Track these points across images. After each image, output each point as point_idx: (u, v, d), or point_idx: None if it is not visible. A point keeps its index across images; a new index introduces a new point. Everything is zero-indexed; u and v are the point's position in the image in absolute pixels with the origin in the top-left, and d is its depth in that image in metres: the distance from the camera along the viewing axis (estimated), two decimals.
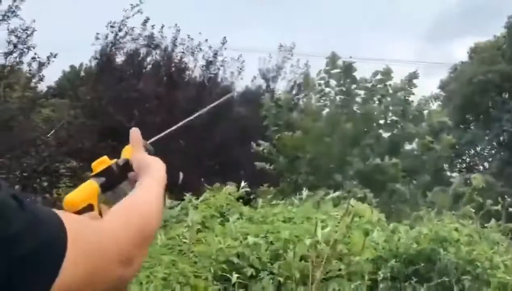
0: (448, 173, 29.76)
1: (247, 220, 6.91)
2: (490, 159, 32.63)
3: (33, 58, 16.44)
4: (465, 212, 11.28)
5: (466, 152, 33.45)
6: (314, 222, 5.85)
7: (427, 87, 35.07)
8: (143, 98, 19.43)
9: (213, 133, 19.09)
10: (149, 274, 5.16)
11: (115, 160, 1.24)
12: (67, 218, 0.85)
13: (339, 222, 6.02)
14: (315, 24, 54.61)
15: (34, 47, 16.38)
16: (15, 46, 16.13)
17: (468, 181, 16.45)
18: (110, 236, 0.91)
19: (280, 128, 18.27)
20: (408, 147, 18.58)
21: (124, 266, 0.90)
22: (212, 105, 1.79)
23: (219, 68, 22.19)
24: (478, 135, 31.79)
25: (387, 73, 18.01)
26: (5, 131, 15.30)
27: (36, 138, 16.00)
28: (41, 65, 16.51)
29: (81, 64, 25.54)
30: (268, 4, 58.98)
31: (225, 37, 21.86)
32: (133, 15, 18.50)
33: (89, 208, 1.15)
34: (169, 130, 1.49)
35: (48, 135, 16.41)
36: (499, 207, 8.96)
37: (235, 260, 5.64)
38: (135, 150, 1.24)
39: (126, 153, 1.28)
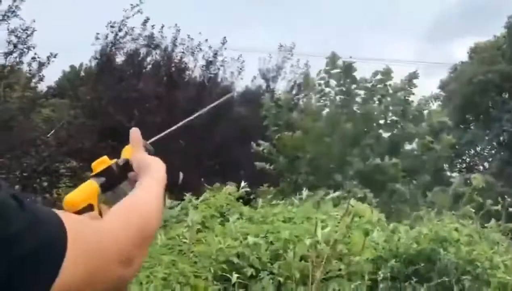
0: (448, 173, 29.78)
1: (247, 220, 6.91)
2: (490, 159, 32.62)
3: (33, 58, 16.44)
4: (465, 212, 11.28)
5: (466, 152, 33.45)
6: (314, 222, 5.85)
7: (427, 87, 35.10)
8: (143, 98, 19.43)
9: (213, 133, 19.09)
10: (149, 274, 5.16)
11: (115, 160, 1.24)
12: (67, 218, 0.85)
13: (339, 222, 6.02)
14: (315, 24, 54.63)
15: (34, 47, 16.38)
16: (15, 46, 16.13)
17: (468, 181, 16.45)
18: (110, 236, 0.91)
19: (280, 128, 18.26)
20: (408, 147, 18.57)
21: (124, 266, 0.90)
22: (212, 105, 1.80)
23: (219, 68, 22.18)
24: (478, 135, 31.78)
25: (387, 73, 18.00)
26: (5, 131, 15.30)
27: (36, 138, 16.00)
28: (41, 65, 16.51)
29: (81, 64, 25.56)
30: (268, 4, 58.99)
31: (225, 37, 21.86)
32: (133, 15, 18.49)
33: (89, 208, 1.15)
34: (169, 130, 1.49)
35: (48, 135, 16.41)
36: (499, 207, 8.95)
37: (235, 260, 5.64)
38: (135, 150, 1.24)
39: (126, 152, 1.28)
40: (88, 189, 1.18)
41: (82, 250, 0.82)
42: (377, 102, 18.11)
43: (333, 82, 18.51)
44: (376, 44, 58.24)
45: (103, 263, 0.86)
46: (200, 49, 21.54)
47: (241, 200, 7.82)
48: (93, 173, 1.21)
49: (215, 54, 21.84)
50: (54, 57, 16.49)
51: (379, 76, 18.21)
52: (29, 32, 16.19)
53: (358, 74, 18.46)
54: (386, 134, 18.64)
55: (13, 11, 15.82)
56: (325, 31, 55.46)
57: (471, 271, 5.85)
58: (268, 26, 58.60)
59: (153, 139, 1.37)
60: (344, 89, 18.22)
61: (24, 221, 0.77)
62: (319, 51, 50.63)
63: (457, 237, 6.23)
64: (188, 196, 7.77)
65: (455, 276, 5.71)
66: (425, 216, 9.03)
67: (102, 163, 1.22)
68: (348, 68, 17.91)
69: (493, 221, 8.51)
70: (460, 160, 33.42)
